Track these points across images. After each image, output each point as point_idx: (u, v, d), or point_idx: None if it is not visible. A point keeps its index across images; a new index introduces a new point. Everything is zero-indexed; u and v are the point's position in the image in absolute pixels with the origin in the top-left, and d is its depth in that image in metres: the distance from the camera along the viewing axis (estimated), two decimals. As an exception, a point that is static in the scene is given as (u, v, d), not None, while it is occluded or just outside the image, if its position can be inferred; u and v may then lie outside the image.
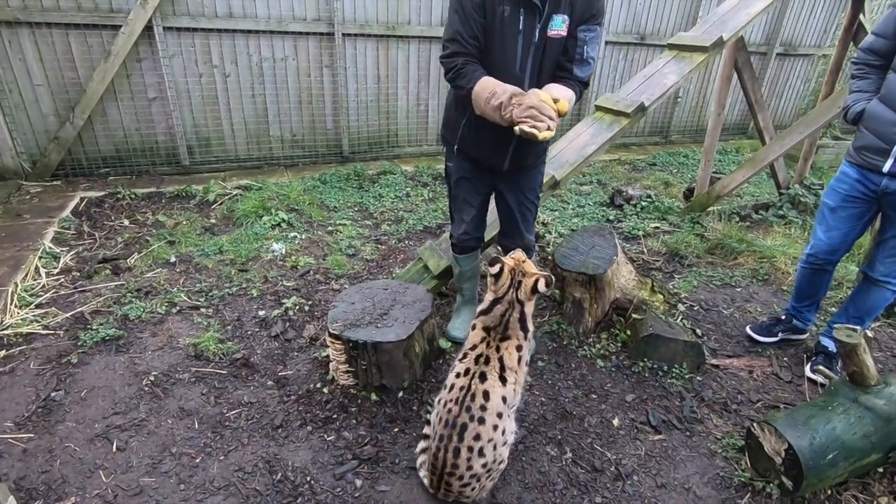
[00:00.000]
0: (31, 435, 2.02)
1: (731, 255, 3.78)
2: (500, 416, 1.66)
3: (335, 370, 2.32)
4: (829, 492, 1.93)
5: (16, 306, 2.75)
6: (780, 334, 2.80)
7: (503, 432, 1.68)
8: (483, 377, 1.68)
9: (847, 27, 3.92)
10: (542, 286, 1.73)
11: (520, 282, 1.77)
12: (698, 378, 2.52)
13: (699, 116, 7.53)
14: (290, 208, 4.21)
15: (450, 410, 1.66)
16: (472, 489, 1.70)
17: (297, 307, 2.92)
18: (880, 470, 1.96)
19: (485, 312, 1.81)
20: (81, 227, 3.75)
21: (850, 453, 1.85)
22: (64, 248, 3.42)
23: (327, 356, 2.40)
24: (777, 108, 8.10)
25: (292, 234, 3.81)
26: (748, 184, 5.33)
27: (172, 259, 3.39)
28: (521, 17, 1.91)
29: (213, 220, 4.05)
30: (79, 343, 2.53)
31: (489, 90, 1.86)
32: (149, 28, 4.32)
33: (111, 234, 3.71)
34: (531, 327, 1.82)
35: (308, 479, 1.89)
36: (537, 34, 1.94)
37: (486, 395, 1.65)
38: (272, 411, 2.20)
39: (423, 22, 5.41)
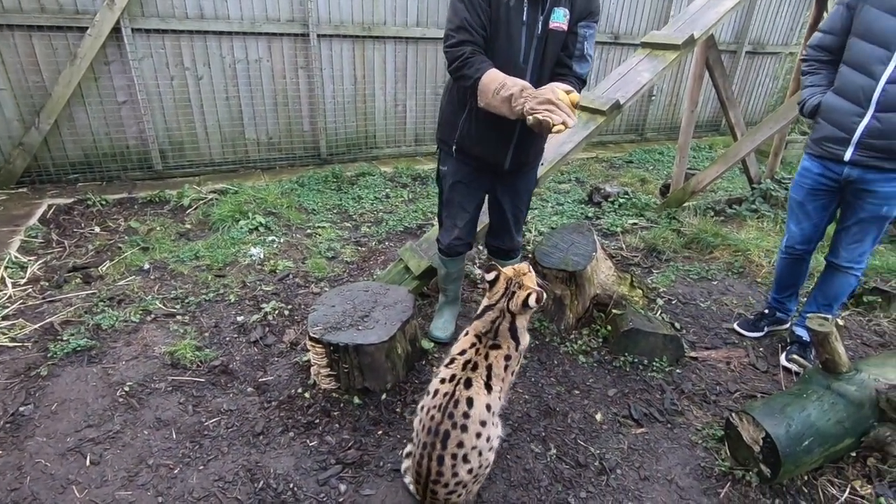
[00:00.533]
0: (-1, 452, 1.95)
1: (707, 250, 3.85)
2: (483, 423, 1.63)
3: (316, 374, 2.29)
4: (805, 477, 1.97)
5: (-20, 319, 2.64)
6: (765, 328, 2.87)
7: (487, 439, 1.66)
8: (468, 383, 1.66)
9: (812, 25, 4.03)
10: (532, 301, 1.73)
11: (514, 293, 1.78)
12: (678, 371, 2.56)
13: (673, 114, 7.68)
14: (268, 212, 4.15)
15: (432, 417, 1.63)
16: (459, 496, 1.68)
17: (277, 312, 2.87)
18: (853, 454, 2.02)
19: (478, 318, 1.82)
20: (50, 236, 3.63)
21: (824, 439, 1.89)
22: (31, 258, 3.31)
23: (308, 360, 2.37)
24: (747, 105, 8.31)
25: (270, 238, 3.75)
26: (721, 179, 5.45)
27: (146, 266, 3.30)
28: (526, 8, 1.92)
29: (188, 226, 3.96)
30: (48, 355, 2.45)
31: (498, 81, 1.86)
32: (117, 30, 4.21)
33: (81, 242, 3.60)
34: (524, 342, 1.82)
35: (291, 485, 1.86)
36: (540, 26, 1.95)
37: (469, 402, 1.63)
38: (253, 418, 2.16)
39: (399, 22, 5.39)
